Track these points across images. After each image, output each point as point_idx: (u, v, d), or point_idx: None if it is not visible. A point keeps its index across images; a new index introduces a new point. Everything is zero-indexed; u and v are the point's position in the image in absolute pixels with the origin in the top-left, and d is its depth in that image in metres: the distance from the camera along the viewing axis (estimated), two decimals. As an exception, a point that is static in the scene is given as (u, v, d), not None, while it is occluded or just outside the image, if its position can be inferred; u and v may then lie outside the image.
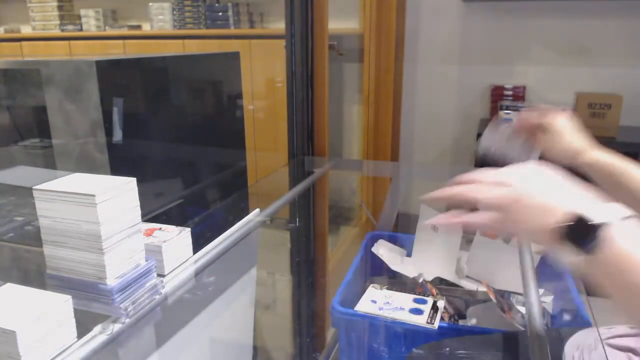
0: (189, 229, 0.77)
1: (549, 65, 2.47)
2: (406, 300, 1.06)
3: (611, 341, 0.78)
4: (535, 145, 0.92)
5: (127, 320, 0.62)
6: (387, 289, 1.11)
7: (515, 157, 0.94)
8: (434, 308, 1.02)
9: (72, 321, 0.55)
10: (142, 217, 0.65)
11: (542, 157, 0.91)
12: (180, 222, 0.87)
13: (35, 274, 0.92)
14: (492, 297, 1.08)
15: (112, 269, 0.60)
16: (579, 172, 0.79)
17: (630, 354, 0.74)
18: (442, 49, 2.61)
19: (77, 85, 0.93)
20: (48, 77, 0.95)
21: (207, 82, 1.31)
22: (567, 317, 1.07)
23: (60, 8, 3.48)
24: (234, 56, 1.43)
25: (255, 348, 1.17)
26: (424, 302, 1.06)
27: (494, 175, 0.57)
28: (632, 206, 0.58)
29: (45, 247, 0.62)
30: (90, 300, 0.61)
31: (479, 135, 2.33)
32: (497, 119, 1.04)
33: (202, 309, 0.85)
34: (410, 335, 0.98)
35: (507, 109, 2.32)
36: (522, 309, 1.09)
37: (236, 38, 3.00)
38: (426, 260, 1.29)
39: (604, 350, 0.72)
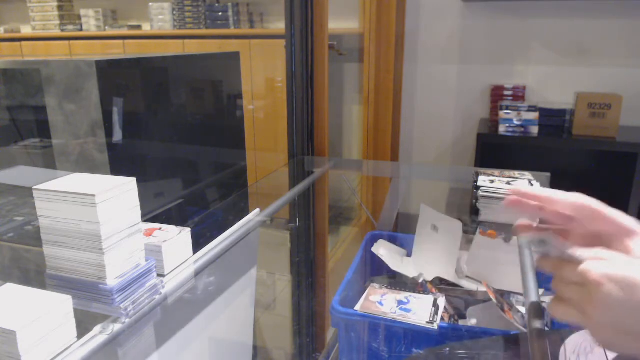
0: (189, 229, 0.77)
1: (549, 65, 2.47)
2: (406, 300, 1.06)
3: None
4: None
5: (127, 320, 0.62)
6: (387, 288, 1.11)
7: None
8: (435, 306, 1.02)
9: (72, 321, 0.55)
10: (142, 217, 0.65)
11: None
12: (180, 222, 0.87)
13: (35, 274, 0.92)
14: (492, 297, 1.08)
15: (112, 269, 0.60)
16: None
17: (629, 355, 0.74)
18: (442, 49, 2.61)
19: (77, 85, 0.93)
20: (48, 77, 0.95)
21: (207, 82, 1.31)
22: (567, 317, 1.07)
23: (60, 8, 3.49)
24: (234, 56, 1.43)
25: (255, 348, 1.17)
26: (424, 302, 1.05)
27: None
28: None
29: (45, 247, 0.62)
30: (90, 300, 0.61)
31: (479, 135, 2.33)
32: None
33: (202, 309, 0.85)
34: (410, 335, 0.98)
35: (507, 109, 2.31)
36: (522, 309, 1.09)
37: (236, 38, 3.00)
38: (426, 260, 1.29)
39: (605, 352, 0.72)
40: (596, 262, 0.47)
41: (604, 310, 0.45)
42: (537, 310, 0.73)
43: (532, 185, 1.08)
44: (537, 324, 0.68)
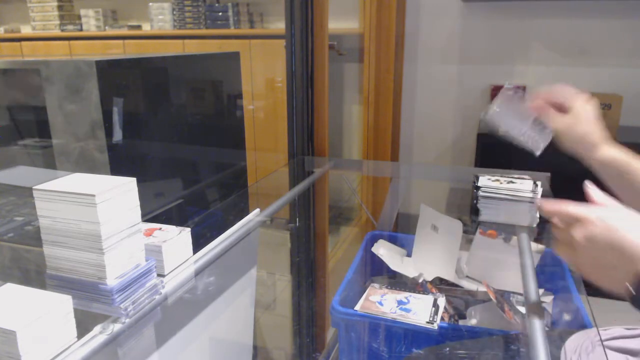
0: (189, 229, 0.77)
1: (549, 65, 2.46)
2: (406, 300, 1.06)
3: (607, 343, 0.78)
4: (549, 124, 0.88)
5: (127, 320, 0.62)
6: (387, 288, 1.11)
7: (527, 133, 0.91)
8: (435, 306, 1.02)
9: (72, 321, 0.55)
10: (142, 217, 0.65)
11: (553, 140, 0.88)
12: (180, 222, 0.87)
13: (35, 274, 0.92)
14: (492, 297, 1.08)
15: (112, 269, 0.60)
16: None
17: (628, 356, 0.74)
18: (442, 49, 2.61)
19: (77, 85, 0.93)
20: (48, 77, 0.95)
21: (207, 82, 1.31)
22: (567, 317, 1.07)
23: (60, 8, 3.48)
24: (234, 56, 1.43)
25: (255, 348, 1.17)
26: (424, 302, 1.05)
27: (575, 211, 0.60)
28: None
29: (45, 247, 0.62)
30: (90, 300, 0.61)
31: (479, 135, 2.33)
32: (506, 90, 1.00)
33: (202, 309, 0.85)
34: (410, 335, 0.98)
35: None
36: (522, 309, 1.09)
37: (236, 38, 3.00)
38: (426, 260, 1.29)
39: (604, 351, 0.72)
40: (591, 208, 0.59)
41: (589, 244, 0.56)
42: (537, 310, 0.73)
43: (536, 186, 1.08)
44: (537, 324, 0.69)
